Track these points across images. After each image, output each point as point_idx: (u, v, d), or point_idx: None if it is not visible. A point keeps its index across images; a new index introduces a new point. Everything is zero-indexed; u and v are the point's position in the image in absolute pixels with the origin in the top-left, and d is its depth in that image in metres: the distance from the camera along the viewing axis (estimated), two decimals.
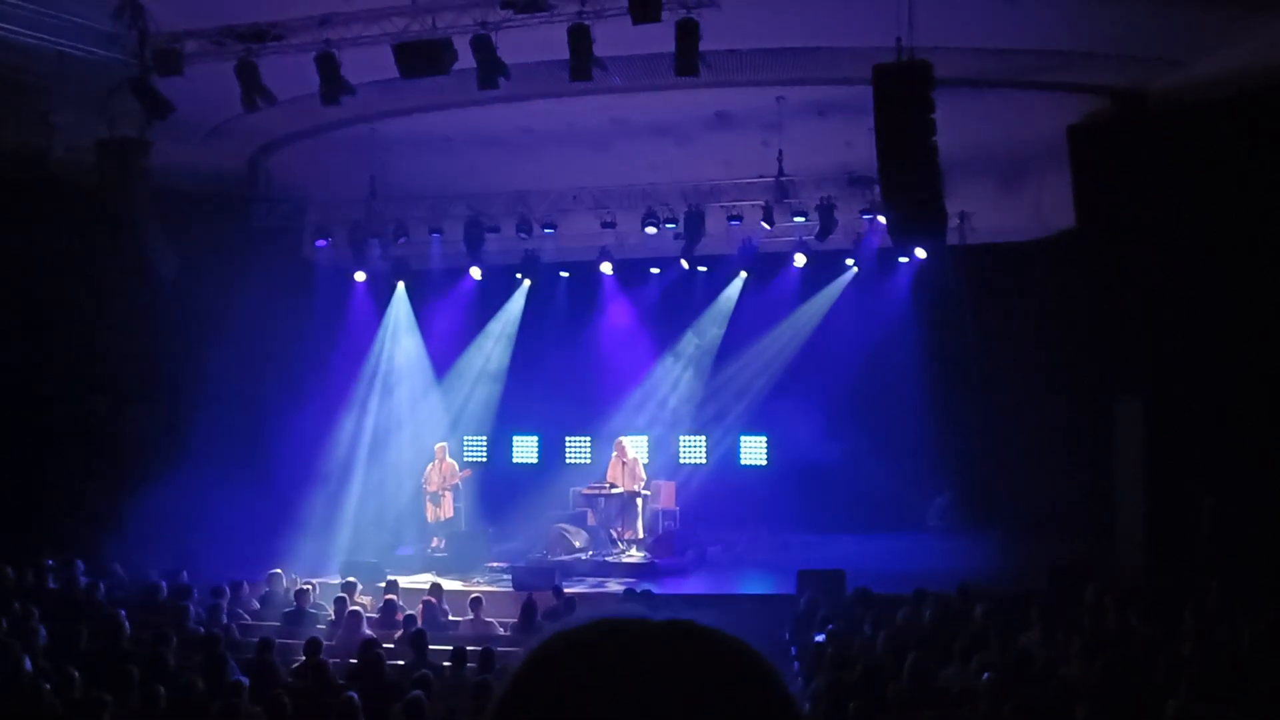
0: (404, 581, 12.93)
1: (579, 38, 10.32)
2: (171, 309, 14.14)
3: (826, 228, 15.64)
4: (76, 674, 7.59)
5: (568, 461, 18.82)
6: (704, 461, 18.78)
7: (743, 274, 18.23)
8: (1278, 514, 11.36)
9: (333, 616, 11.11)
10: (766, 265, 17.69)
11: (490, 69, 10.70)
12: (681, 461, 18.62)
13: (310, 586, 12.02)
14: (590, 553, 15.17)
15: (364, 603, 11.79)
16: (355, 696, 7.40)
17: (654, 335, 18.91)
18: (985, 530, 16.74)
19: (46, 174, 13.14)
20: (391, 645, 10.03)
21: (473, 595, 11.82)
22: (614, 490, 15.54)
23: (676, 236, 16.45)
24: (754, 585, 14.06)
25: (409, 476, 16.72)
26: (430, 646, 9.64)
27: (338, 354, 17.72)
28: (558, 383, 18.46)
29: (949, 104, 10.15)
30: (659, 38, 10.07)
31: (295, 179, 16.42)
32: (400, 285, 18.26)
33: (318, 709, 7.67)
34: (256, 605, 12.07)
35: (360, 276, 17.57)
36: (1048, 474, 15.98)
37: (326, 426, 16.92)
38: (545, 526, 15.66)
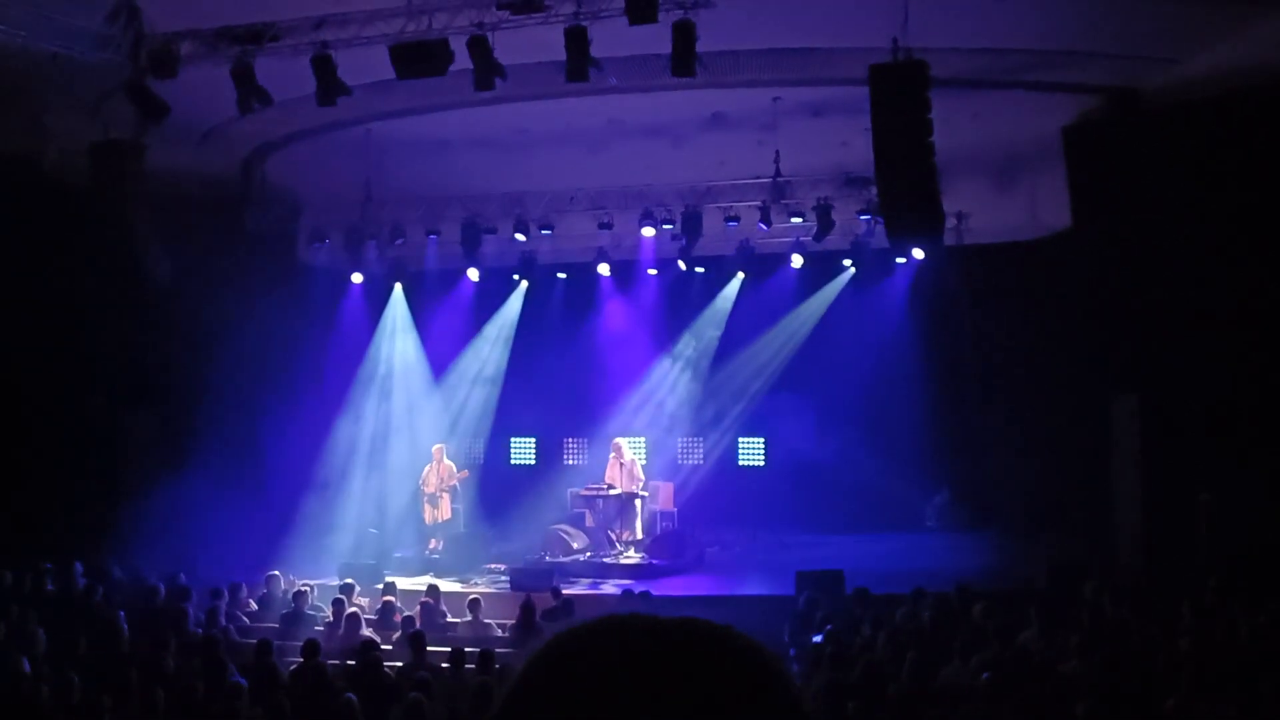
0: (402, 583, 12.93)
1: (575, 39, 10.32)
2: (168, 312, 14.12)
3: (824, 228, 15.67)
4: (75, 677, 7.57)
5: (566, 463, 18.85)
6: (702, 462, 18.80)
7: (740, 275, 18.24)
8: (1273, 510, 11.39)
9: (331, 618, 11.10)
10: (764, 266, 17.70)
11: (487, 70, 10.70)
12: (680, 463, 18.63)
13: (308, 588, 12.01)
14: (588, 554, 15.16)
15: (362, 604, 11.78)
16: (354, 698, 7.39)
17: (651, 336, 18.92)
18: (983, 529, 16.77)
19: (40, 177, 13.12)
20: (390, 647, 10.03)
21: (471, 597, 11.81)
22: (612, 492, 15.54)
23: (674, 238, 16.46)
24: (752, 586, 14.06)
25: (407, 478, 16.71)
26: (428, 648, 9.64)
27: (335, 356, 17.72)
28: (555, 384, 18.48)
29: (945, 104, 10.17)
30: (655, 39, 10.07)
31: (291, 181, 16.40)
32: (397, 287, 18.26)
33: (317, 711, 7.67)
34: (254, 607, 12.06)
35: (357, 278, 17.56)
36: (1045, 472, 16.00)
37: (324, 429, 16.91)
38: (543, 528, 15.65)
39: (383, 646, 9.77)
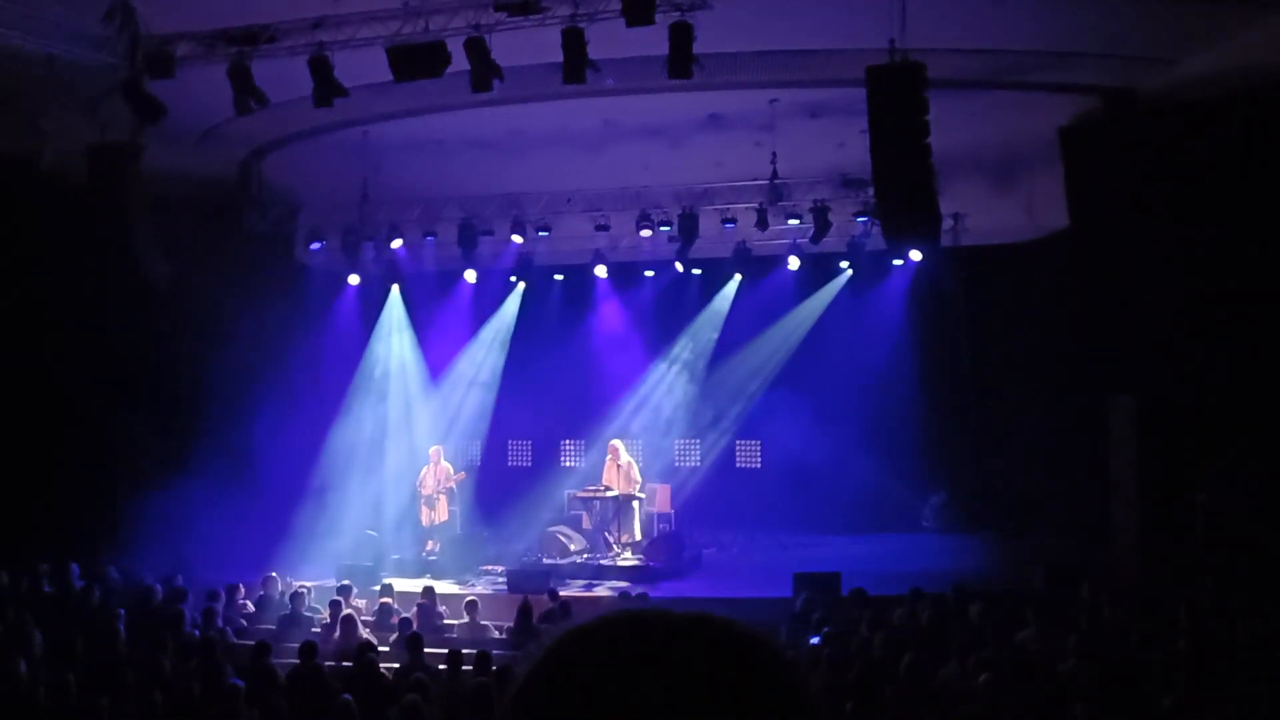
0: (399, 585, 12.92)
1: (572, 40, 10.32)
2: (165, 313, 14.11)
3: (820, 230, 15.67)
4: (72, 678, 7.55)
5: (563, 465, 18.84)
6: (699, 464, 18.80)
7: (737, 277, 18.24)
8: (1270, 511, 11.40)
9: (328, 620, 11.09)
10: (761, 268, 17.71)
11: (484, 71, 10.70)
12: (677, 465, 18.63)
13: (305, 590, 12.00)
14: (585, 556, 15.15)
15: (359, 606, 11.77)
16: (351, 699, 7.38)
17: (648, 338, 18.92)
18: (980, 530, 16.80)
19: (37, 178, 13.12)
20: (387, 649, 10.02)
21: (468, 598, 11.80)
22: (609, 494, 15.53)
23: (671, 239, 16.46)
24: (750, 588, 14.04)
25: (404, 480, 16.69)
26: (425, 650, 9.63)
27: (332, 358, 17.70)
28: (552, 386, 18.47)
29: (942, 105, 10.18)
30: (652, 40, 10.07)
31: (288, 183, 16.40)
32: (394, 288, 18.26)
33: (314, 712, 7.66)
34: (251, 609, 12.04)
35: (354, 280, 17.56)
36: (1041, 473, 16.02)
37: (321, 430, 16.88)
38: (540, 530, 15.64)
39: (380, 648, 9.77)
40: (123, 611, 10.58)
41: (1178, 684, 6.91)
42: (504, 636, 11.13)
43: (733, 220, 16.10)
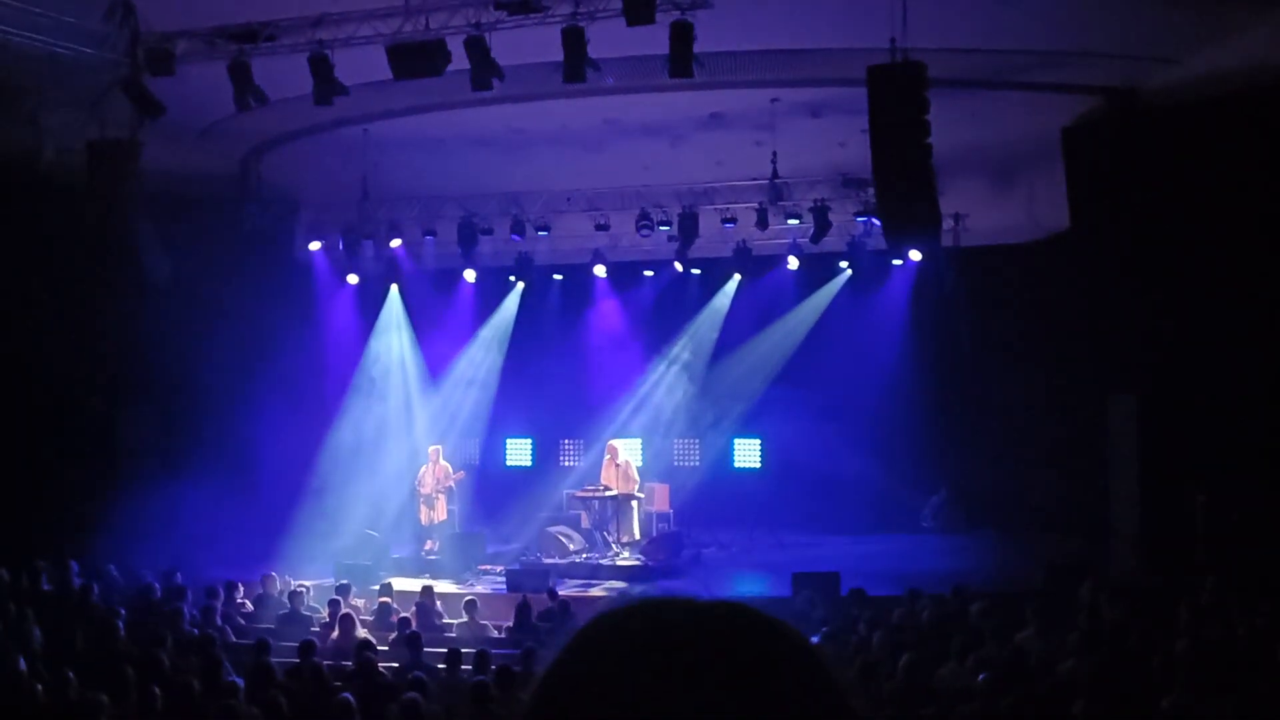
0: (398, 584, 12.91)
1: (573, 39, 10.32)
2: (164, 311, 14.10)
3: (820, 230, 15.66)
4: (72, 675, 7.54)
5: (562, 464, 18.83)
6: (698, 464, 18.79)
7: (736, 276, 18.23)
8: (1271, 511, 11.40)
9: (326, 618, 11.08)
10: (760, 267, 17.70)
11: (484, 70, 10.69)
12: (676, 464, 18.62)
13: (304, 589, 11.99)
14: (584, 555, 15.15)
15: (358, 605, 11.76)
16: (350, 698, 7.36)
17: (648, 338, 18.91)
18: (980, 530, 16.80)
19: (37, 176, 13.10)
20: (386, 648, 10.01)
21: (467, 598, 11.79)
22: (608, 493, 15.52)
23: (670, 239, 16.45)
24: (749, 587, 14.02)
25: (403, 479, 16.68)
26: (424, 649, 9.62)
27: (331, 356, 17.70)
28: (552, 385, 18.47)
29: (943, 105, 10.17)
30: (653, 39, 10.07)
31: (288, 180, 16.39)
32: (394, 288, 18.26)
33: (313, 710, 7.64)
34: (250, 607, 12.03)
35: (353, 279, 17.55)
36: (1042, 473, 16.03)
37: (320, 429, 16.88)
38: (539, 529, 15.63)
39: (379, 647, 9.76)
40: (122, 609, 10.56)
41: (1177, 684, 6.90)
42: (503, 636, 11.12)
43: (733, 220, 16.09)
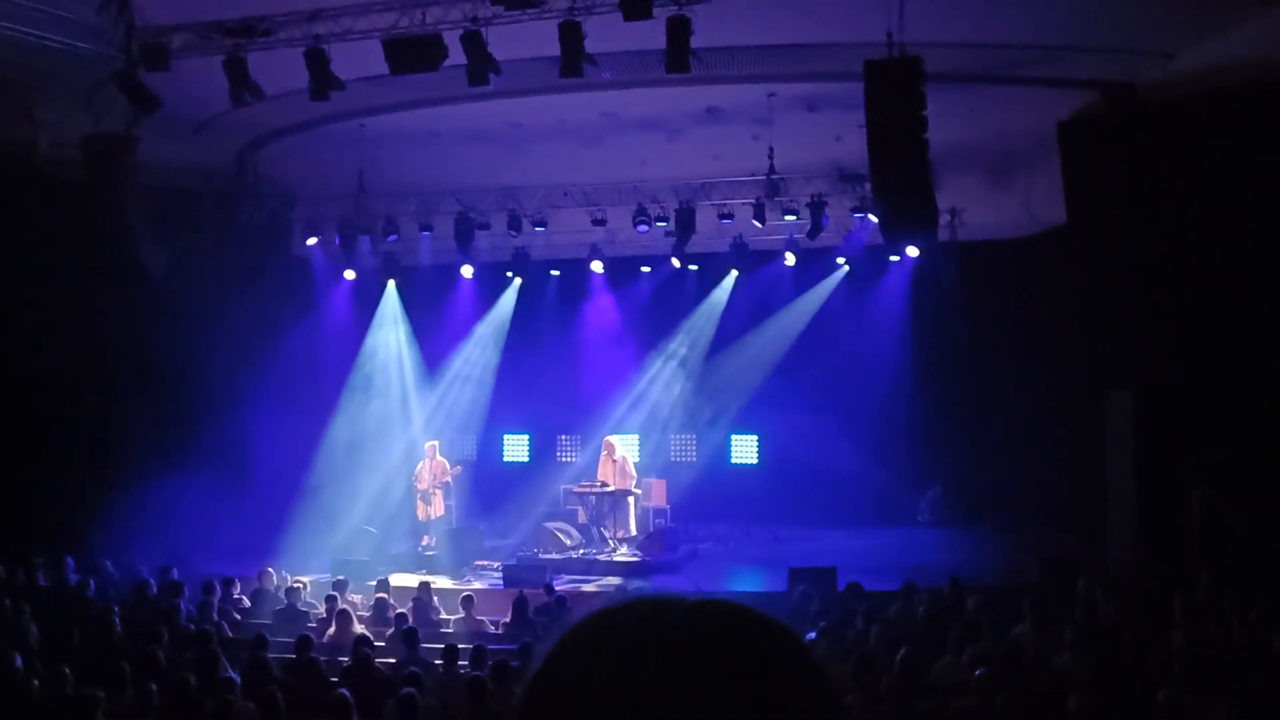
0: (395, 579, 12.91)
1: (570, 34, 10.30)
2: (160, 305, 14.09)
3: (817, 225, 15.65)
4: (68, 671, 7.54)
5: (559, 460, 18.83)
6: (695, 460, 18.80)
7: (734, 272, 18.23)
8: (1267, 506, 11.42)
9: (323, 614, 11.08)
10: (757, 263, 17.70)
11: (481, 65, 10.67)
12: (673, 459, 18.63)
13: (301, 584, 11.99)
14: (581, 551, 15.16)
15: (355, 601, 11.76)
16: (347, 693, 7.36)
17: (645, 333, 18.91)
18: (976, 524, 16.82)
19: (32, 170, 13.08)
20: (383, 643, 10.01)
21: (464, 593, 11.80)
22: (605, 488, 15.53)
23: (667, 234, 16.43)
24: (746, 582, 14.06)
25: (400, 474, 16.68)
26: (421, 644, 9.62)
27: (328, 351, 17.68)
28: (549, 381, 18.47)
29: (940, 100, 10.17)
30: (650, 33, 10.05)
31: (284, 175, 16.37)
32: (391, 283, 18.24)
33: (311, 705, 7.65)
34: (247, 603, 12.02)
35: (350, 275, 17.53)
36: (1038, 468, 16.04)
37: (317, 424, 16.87)
38: (536, 524, 15.64)
39: (376, 643, 9.76)
40: (118, 605, 10.56)
41: (1172, 678, 6.92)
42: (500, 631, 11.13)
43: (730, 215, 16.08)
